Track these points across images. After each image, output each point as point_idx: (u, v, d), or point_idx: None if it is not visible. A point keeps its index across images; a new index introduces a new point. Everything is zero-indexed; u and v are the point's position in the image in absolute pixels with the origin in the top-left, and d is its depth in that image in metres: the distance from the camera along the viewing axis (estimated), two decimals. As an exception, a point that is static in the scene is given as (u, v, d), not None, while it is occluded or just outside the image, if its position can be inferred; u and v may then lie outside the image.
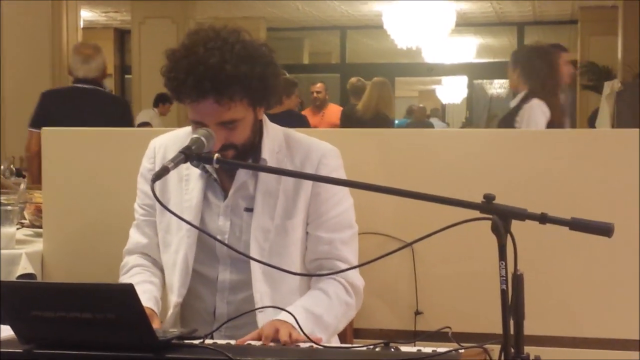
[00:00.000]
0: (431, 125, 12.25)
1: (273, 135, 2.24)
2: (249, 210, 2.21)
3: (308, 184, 2.22)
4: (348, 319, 2.24)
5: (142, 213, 2.36)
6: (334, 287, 2.18)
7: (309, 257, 2.25)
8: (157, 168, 2.25)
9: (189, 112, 2.12)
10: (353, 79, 8.37)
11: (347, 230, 2.25)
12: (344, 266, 2.19)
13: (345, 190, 2.25)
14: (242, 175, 2.21)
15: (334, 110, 8.34)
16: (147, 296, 2.20)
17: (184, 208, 2.22)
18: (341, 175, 2.26)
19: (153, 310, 2.16)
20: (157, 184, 2.23)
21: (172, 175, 2.18)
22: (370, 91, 7.34)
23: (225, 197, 2.23)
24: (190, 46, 2.09)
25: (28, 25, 8.35)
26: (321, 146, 2.27)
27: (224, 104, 2.06)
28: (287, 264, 2.15)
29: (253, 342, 1.84)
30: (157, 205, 2.26)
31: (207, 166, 2.19)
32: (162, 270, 2.33)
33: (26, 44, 8.30)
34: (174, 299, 2.25)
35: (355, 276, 2.22)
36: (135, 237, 2.37)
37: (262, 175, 2.21)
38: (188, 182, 2.25)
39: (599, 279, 2.78)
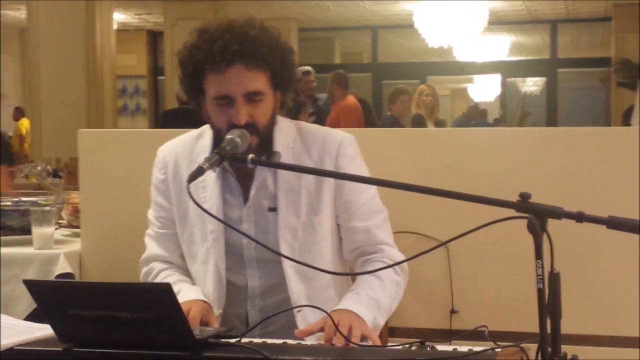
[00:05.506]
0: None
1: (285, 128, 2.19)
2: (273, 209, 2.17)
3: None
4: (399, 298, 2.21)
5: (159, 226, 2.29)
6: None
7: (348, 247, 2.24)
8: (170, 177, 2.25)
9: (212, 89, 2.07)
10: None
11: (379, 214, 2.23)
12: (385, 248, 2.20)
13: (367, 174, 2.22)
14: (261, 172, 2.16)
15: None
16: (196, 290, 2.18)
17: (206, 217, 2.15)
18: (360, 162, 2.24)
19: (209, 304, 2.13)
20: (172, 195, 2.25)
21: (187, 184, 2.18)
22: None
23: (244, 195, 2.19)
24: (212, 25, 2.11)
25: (62, 27, 8.43)
26: (336, 135, 2.23)
27: (251, 69, 2.04)
28: (317, 260, 2.14)
29: (289, 341, 1.84)
30: (177, 216, 2.25)
31: (225, 163, 2.11)
32: (188, 276, 2.29)
33: (61, 47, 8.39)
34: (214, 310, 2.18)
35: (398, 254, 2.21)
36: (154, 249, 2.31)
37: (282, 172, 2.16)
38: (205, 189, 2.18)
39: (636, 277, 2.76)
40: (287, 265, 2.16)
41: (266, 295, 2.22)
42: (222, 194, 2.19)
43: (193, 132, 2.29)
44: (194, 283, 2.27)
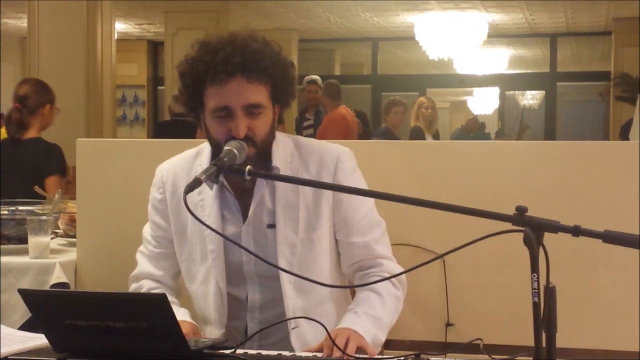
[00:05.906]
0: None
1: (282, 143, 2.19)
2: (271, 226, 2.17)
3: (328, 192, 2.18)
4: (399, 312, 2.22)
5: (156, 245, 2.29)
6: (382, 283, 2.15)
7: (347, 262, 2.24)
8: (168, 196, 2.25)
9: (213, 101, 2.05)
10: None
11: (377, 228, 2.23)
12: (384, 262, 2.20)
13: (365, 188, 2.21)
14: (260, 188, 2.16)
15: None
16: (184, 312, 2.19)
17: (205, 236, 2.17)
18: (359, 175, 2.24)
19: (197, 326, 2.15)
20: (171, 214, 2.25)
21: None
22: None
23: (243, 212, 2.18)
24: (214, 37, 2.10)
25: (63, 36, 8.42)
26: (333, 150, 2.23)
27: (252, 82, 2.03)
28: (316, 276, 2.13)
29: (285, 353, 1.84)
30: (175, 235, 2.25)
31: (222, 180, 2.13)
32: (177, 298, 2.30)
33: (61, 55, 8.38)
34: (215, 330, 2.20)
35: (397, 268, 2.21)
36: (147, 267, 2.30)
37: (280, 188, 2.16)
38: (204, 207, 2.18)
39: (632, 291, 2.76)
40: (285, 282, 2.16)
41: (265, 309, 2.22)
42: (221, 212, 2.18)
43: (192, 151, 2.29)
44: (181, 305, 2.27)
